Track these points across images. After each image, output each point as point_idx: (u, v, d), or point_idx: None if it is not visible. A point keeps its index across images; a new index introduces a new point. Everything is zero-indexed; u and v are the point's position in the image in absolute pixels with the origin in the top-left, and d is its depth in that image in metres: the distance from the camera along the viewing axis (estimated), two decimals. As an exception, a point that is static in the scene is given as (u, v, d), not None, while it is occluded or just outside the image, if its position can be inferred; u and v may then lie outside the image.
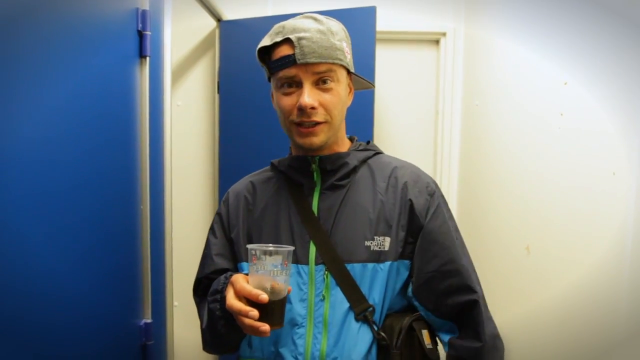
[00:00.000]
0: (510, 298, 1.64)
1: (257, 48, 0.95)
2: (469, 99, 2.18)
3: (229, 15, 2.18)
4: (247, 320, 0.80)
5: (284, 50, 0.91)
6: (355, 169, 1.00)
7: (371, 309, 0.91)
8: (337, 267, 0.92)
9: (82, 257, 1.02)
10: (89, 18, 1.06)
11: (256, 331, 0.80)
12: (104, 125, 1.11)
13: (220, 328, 0.91)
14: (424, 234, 0.95)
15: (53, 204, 0.93)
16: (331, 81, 0.92)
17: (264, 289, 0.80)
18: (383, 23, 2.11)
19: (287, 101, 0.93)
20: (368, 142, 1.08)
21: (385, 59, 2.23)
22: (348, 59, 0.96)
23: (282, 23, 0.94)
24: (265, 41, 0.95)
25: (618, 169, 1.17)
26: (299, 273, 0.94)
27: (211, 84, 2.30)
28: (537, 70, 1.55)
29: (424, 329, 0.95)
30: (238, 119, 2.16)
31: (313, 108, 0.90)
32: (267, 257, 0.82)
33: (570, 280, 1.34)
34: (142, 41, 1.26)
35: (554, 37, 1.46)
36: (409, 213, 0.95)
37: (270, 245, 0.86)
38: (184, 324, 1.84)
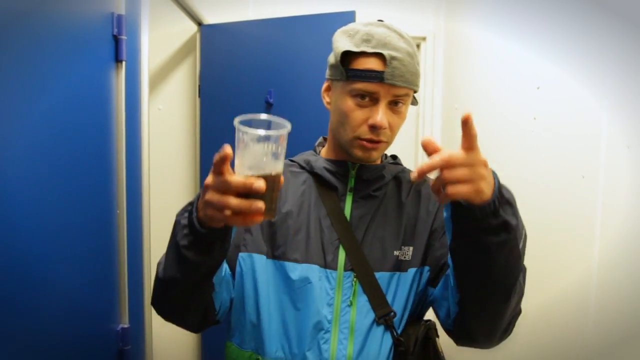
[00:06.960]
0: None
1: (338, 47, 0.89)
2: (448, 102, 2.20)
3: (209, 19, 2.18)
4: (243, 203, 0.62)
5: (372, 64, 0.87)
6: (388, 182, 1.00)
7: (392, 313, 0.91)
8: (367, 275, 0.92)
9: (57, 261, 1.02)
10: (62, 23, 1.05)
11: (248, 220, 0.64)
12: (79, 131, 1.10)
13: (186, 244, 0.73)
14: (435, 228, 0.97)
15: (28, 208, 0.92)
16: (403, 104, 0.91)
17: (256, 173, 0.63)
18: (363, 27, 2.12)
19: (359, 115, 0.89)
20: (394, 157, 1.08)
21: (366, 62, 2.24)
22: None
23: (366, 30, 0.89)
24: (349, 45, 0.89)
25: (587, 172, 1.20)
26: (327, 278, 0.92)
27: (192, 87, 2.29)
28: (513, 75, 1.58)
29: (437, 337, 0.96)
30: (219, 122, 2.15)
31: (384, 128, 0.89)
32: (262, 142, 0.63)
33: (543, 279, 1.36)
34: (117, 46, 1.26)
35: (528, 42, 1.49)
36: (430, 221, 0.97)
37: (261, 130, 0.64)
38: (163, 328, 1.82)
